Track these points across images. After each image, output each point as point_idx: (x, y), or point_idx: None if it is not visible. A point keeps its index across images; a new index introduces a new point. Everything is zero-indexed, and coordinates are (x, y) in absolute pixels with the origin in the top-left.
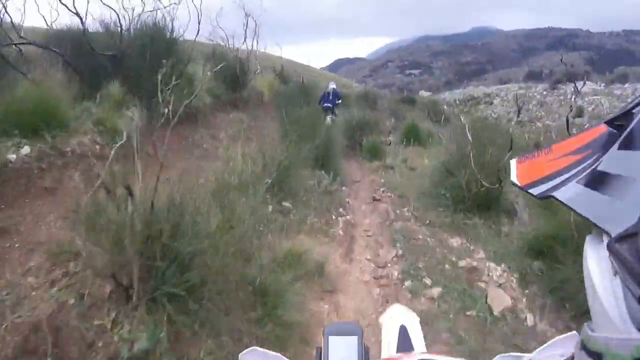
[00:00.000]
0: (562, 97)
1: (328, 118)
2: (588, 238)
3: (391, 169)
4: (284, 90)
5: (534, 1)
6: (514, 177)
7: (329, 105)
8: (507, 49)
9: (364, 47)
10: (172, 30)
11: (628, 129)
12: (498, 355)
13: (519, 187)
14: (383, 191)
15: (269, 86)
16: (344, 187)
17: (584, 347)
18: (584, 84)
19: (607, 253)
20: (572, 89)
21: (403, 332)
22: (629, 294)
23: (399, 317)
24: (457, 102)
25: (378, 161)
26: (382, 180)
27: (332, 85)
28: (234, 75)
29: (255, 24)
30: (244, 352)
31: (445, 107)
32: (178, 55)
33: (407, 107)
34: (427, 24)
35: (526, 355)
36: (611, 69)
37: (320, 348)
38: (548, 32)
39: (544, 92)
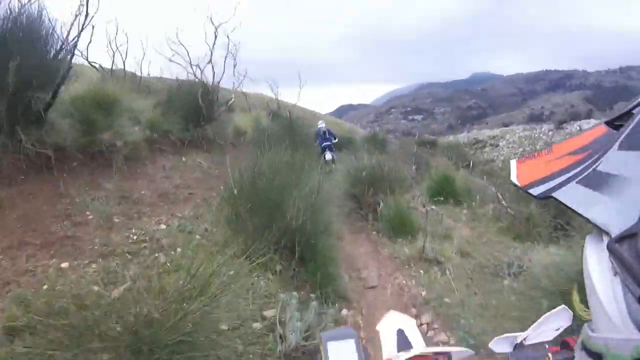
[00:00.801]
0: (568, 137)
1: (329, 154)
2: (588, 238)
3: (436, 264)
4: (264, 128)
5: (530, 46)
6: (514, 178)
7: (328, 143)
8: (507, 93)
9: (367, 93)
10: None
11: (628, 130)
12: (495, 339)
13: (519, 188)
14: (428, 324)
15: (254, 123)
16: (343, 311)
17: (584, 347)
18: (588, 122)
19: (607, 253)
20: (577, 128)
21: (401, 335)
22: (629, 294)
23: (395, 321)
24: (463, 145)
25: (406, 240)
26: (422, 292)
27: (323, 124)
28: (196, 106)
29: (234, 62)
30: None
31: (469, 150)
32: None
33: (427, 150)
34: (428, 71)
35: (521, 334)
36: (611, 106)
37: (320, 356)
38: (545, 74)
39: (550, 133)
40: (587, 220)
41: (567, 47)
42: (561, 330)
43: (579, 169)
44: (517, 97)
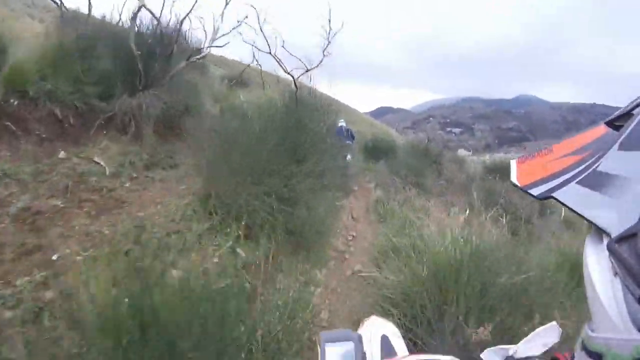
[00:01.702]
0: None
1: (348, 156)
2: (588, 238)
3: None
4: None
5: (581, 78)
6: (514, 178)
7: (349, 142)
8: (550, 120)
9: (408, 99)
10: None
11: (628, 130)
12: (486, 350)
13: (519, 188)
14: None
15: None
16: None
17: (584, 347)
18: None
19: (607, 253)
20: None
21: (385, 341)
22: (629, 294)
23: (378, 327)
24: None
25: None
26: None
27: (343, 122)
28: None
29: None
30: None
31: None
32: None
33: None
34: (473, 85)
35: (512, 347)
36: None
37: (317, 355)
38: (592, 107)
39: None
40: (587, 220)
41: (618, 82)
42: (549, 345)
43: (579, 169)
44: (560, 126)
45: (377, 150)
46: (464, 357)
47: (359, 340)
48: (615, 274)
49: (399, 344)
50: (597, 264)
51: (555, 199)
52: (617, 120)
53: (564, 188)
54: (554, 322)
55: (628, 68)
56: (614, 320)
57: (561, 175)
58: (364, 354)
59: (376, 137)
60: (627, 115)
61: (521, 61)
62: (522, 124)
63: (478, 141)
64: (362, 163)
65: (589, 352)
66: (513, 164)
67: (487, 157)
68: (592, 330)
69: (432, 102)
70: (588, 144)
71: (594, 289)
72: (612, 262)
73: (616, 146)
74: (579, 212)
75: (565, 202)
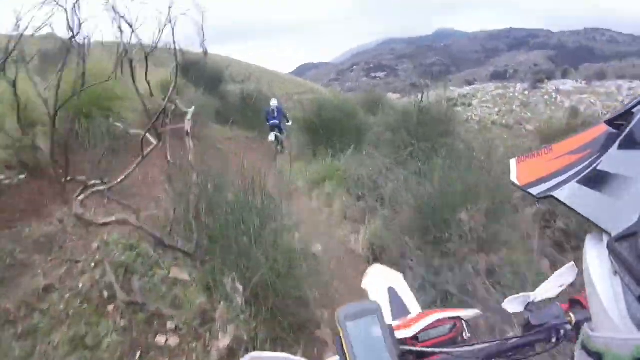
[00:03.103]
0: (546, 97)
1: (272, 135)
2: (588, 238)
3: None
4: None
5: (495, 3)
6: (513, 177)
7: (275, 122)
8: (470, 51)
9: (329, 52)
10: None
11: (628, 129)
12: (507, 299)
13: (519, 187)
14: None
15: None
16: None
17: (584, 347)
18: (564, 83)
19: (607, 253)
20: (554, 88)
21: (393, 295)
22: (629, 293)
23: (383, 278)
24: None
25: None
26: None
27: (274, 103)
28: None
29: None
30: (245, 357)
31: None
32: None
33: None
34: (391, 27)
35: (532, 293)
36: (575, 67)
37: (340, 337)
38: (509, 32)
39: (525, 92)
40: (587, 220)
41: (531, 5)
42: (564, 286)
43: (578, 168)
44: (481, 55)
45: (330, 131)
46: (487, 308)
47: (380, 311)
48: (615, 273)
49: (409, 298)
50: (597, 263)
51: (555, 198)
52: (617, 119)
53: (564, 187)
54: (571, 263)
55: None
56: (614, 320)
57: (561, 174)
58: (390, 326)
59: (320, 102)
60: (627, 114)
61: None
62: (444, 57)
63: (403, 82)
64: (302, 165)
65: (589, 352)
66: (513, 163)
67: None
68: (592, 330)
69: (354, 51)
70: (588, 143)
71: (594, 289)
72: (612, 261)
73: (616, 145)
74: (579, 211)
75: (565, 202)
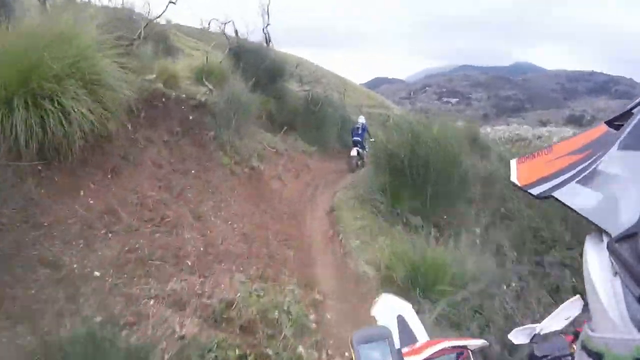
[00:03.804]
0: None
1: (354, 150)
2: (588, 238)
3: None
4: None
5: (577, 42)
6: (514, 177)
7: (358, 139)
8: (548, 89)
9: (403, 68)
10: None
11: (628, 129)
12: (513, 330)
13: (519, 187)
14: None
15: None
16: None
17: (584, 347)
18: None
19: (607, 253)
20: None
21: (402, 323)
22: (629, 294)
23: (392, 307)
24: (502, 139)
25: None
26: None
27: (361, 120)
28: None
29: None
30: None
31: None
32: None
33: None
34: (469, 53)
35: (538, 325)
36: None
37: (351, 359)
38: (590, 76)
39: None
40: (587, 221)
41: (616, 50)
42: (571, 319)
43: (579, 168)
44: (558, 94)
45: (420, 176)
46: (492, 340)
47: (391, 337)
48: (615, 273)
49: (417, 326)
50: (597, 264)
51: (555, 198)
52: (618, 120)
53: (564, 187)
54: (577, 296)
55: (631, 28)
56: (614, 320)
57: (561, 174)
58: (399, 350)
59: (414, 128)
60: (627, 114)
61: (514, 23)
62: (520, 92)
63: (475, 111)
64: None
65: (589, 352)
66: (513, 164)
67: (494, 129)
68: (592, 330)
69: (427, 71)
70: (588, 143)
71: (594, 289)
72: (612, 262)
73: (616, 146)
74: (579, 211)
75: (565, 202)
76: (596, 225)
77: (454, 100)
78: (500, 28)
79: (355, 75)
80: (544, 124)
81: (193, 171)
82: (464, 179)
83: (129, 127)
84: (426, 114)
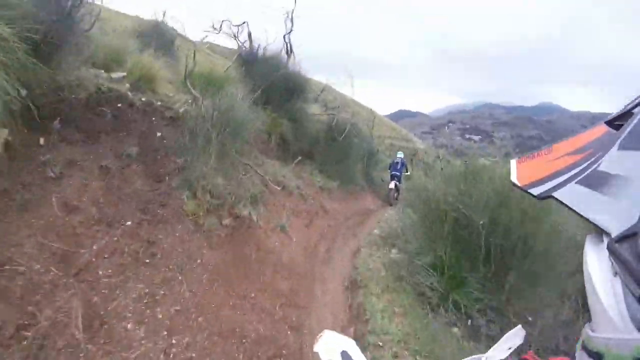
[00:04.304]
0: None
1: (393, 183)
2: (588, 238)
3: None
4: None
5: (602, 83)
6: (514, 177)
7: (397, 173)
8: (571, 130)
9: (427, 103)
10: None
11: (628, 129)
12: (463, 358)
13: (519, 188)
14: None
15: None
16: None
17: (584, 347)
18: None
19: (607, 253)
20: None
21: (345, 357)
22: (629, 294)
23: (336, 343)
24: None
25: None
26: None
27: (400, 155)
28: None
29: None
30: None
31: None
32: None
33: None
34: (493, 91)
35: (483, 355)
36: None
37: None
38: None
39: None
40: (587, 220)
41: None
42: (513, 348)
43: (579, 169)
44: None
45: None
46: None
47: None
48: (615, 273)
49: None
50: (597, 264)
51: (555, 198)
52: (617, 120)
53: (564, 188)
54: (519, 326)
55: None
56: (614, 320)
57: (561, 174)
58: None
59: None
60: (627, 114)
61: (540, 63)
62: (543, 132)
63: (498, 149)
64: None
65: (589, 352)
66: (513, 164)
67: None
68: (592, 330)
69: (451, 107)
70: (588, 143)
71: (594, 289)
72: (612, 262)
73: (616, 146)
74: (579, 212)
75: (565, 202)
76: (596, 225)
77: (476, 138)
78: (525, 66)
79: (378, 107)
80: None
81: (129, 222)
82: (560, 255)
83: (41, 143)
84: (450, 150)
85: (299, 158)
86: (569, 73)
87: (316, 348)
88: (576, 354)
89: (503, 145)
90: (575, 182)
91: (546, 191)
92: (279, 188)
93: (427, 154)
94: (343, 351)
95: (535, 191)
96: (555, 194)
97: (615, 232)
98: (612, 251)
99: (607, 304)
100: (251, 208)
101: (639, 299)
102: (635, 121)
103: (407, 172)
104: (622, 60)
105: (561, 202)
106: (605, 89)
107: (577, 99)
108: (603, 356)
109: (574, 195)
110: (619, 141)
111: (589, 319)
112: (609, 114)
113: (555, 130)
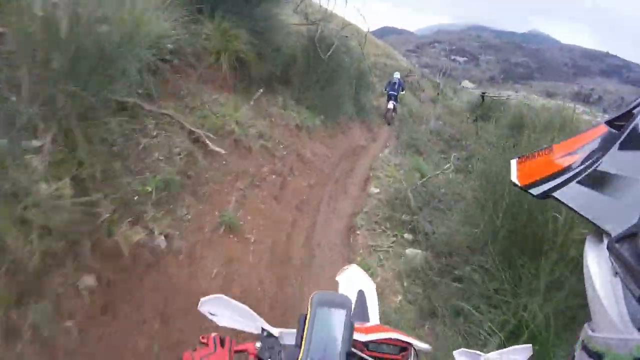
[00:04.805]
0: None
1: (391, 103)
2: (588, 238)
3: None
4: None
5: (596, 21)
6: (514, 177)
7: (394, 93)
8: (559, 62)
9: (414, 21)
10: None
11: (628, 129)
12: (459, 350)
13: (519, 187)
14: None
15: None
16: None
17: (584, 347)
18: None
19: (607, 253)
20: None
21: (360, 298)
22: (629, 294)
23: (357, 280)
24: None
25: None
26: None
27: (397, 76)
28: None
29: None
30: (207, 298)
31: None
32: None
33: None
34: (483, 13)
35: (483, 354)
36: None
37: (305, 316)
38: (605, 57)
39: None
40: (587, 220)
41: (635, 36)
42: None
43: (579, 168)
44: (570, 70)
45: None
46: (436, 346)
47: (350, 308)
48: (615, 274)
49: (373, 307)
50: (597, 264)
51: (555, 198)
52: (618, 120)
53: (564, 188)
54: (529, 345)
55: None
56: (614, 320)
57: (561, 174)
58: (352, 324)
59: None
60: (628, 114)
61: None
62: (531, 60)
63: (482, 72)
64: None
65: (589, 352)
66: (513, 164)
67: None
68: (592, 330)
69: (439, 27)
70: (588, 143)
71: (594, 289)
72: (612, 262)
73: (616, 146)
74: (579, 211)
75: (565, 202)
76: (596, 225)
77: (461, 59)
78: None
79: (363, 22)
80: (550, 95)
81: None
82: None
83: None
84: (434, 70)
85: (261, 90)
86: (564, 6)
87: (338, 278)
88: (576, 354)
89: (488, 69)
90: (576, 182)
91: (546, 191)
92: (222, 151)
93: (411, 72)
94: (360, 290)
95: (536, 191)
96: (556, 194)
97: (615, 233)
98: (612, 251)
99: (607, 304)
100: (158, 215)
101: (639, 299)
102: (635, 121)
103: (402, 91)
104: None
105: (561, 202)
106: (598, 28)
107: (569, 33)
108: (603, 356)
109: (574, 195)
110: (619, 141)
111: (589, 319)
112: (600, 51)
113: (543, 60)
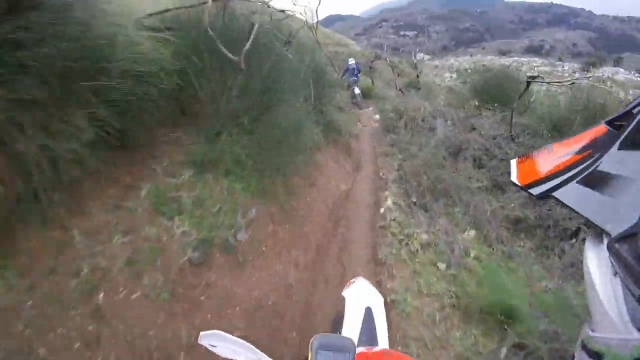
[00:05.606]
0: (602, 86)
1: (357, 89)
2: (588, 238)
3: None
4: None
5: None
6: (514, 177)
7: (355, 78)
8: (506, 20)
9: (357, 4)
10: None
11: (628, 129)
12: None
13: (519, 187)
14: None
15: None
16: None
17: (584, 347)
18: (617, 72)
19: (607, 253)
20: (608, 76)
21: (368, 317)
22: (629, 294)
23: (365, 295)
24: (469, 71)
25: None
26: None
27: (353, 61)
28: None
29: None
30: (206, 333)
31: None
32: None
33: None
34: None
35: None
36: (617, 54)
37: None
38: (550, 7)
39: (575, 74)
40: (587, 220)
41: None
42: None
43: (579, 168)
44: (517, 26)
45: None
46: None
47: (353, 351)
48: (615, 274)
49: (382, 325)
50: (597, 264)
51: (555, 198)
52: (618, 120)
53: (564, 188)
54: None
55: None
56: (614, 320)
57: (561, 174)
58: None
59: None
60: (628, 114)
61: None
62: (478, 24)
63: (434, 43)
64: None
65: (589, 352)
66: (513, 163)
67: (458, 60)
68: (592, 330)
69: (384, 6)
70: (588, 143)
71: (594, 289)
72: (612, 262)
73: (616, 146)
74: (579, 211)
75: (565, 202)
76: (596, 225)
77: (411, 34)
78: None
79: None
80: (503, 53)
81: None
82: None
83: None
84: (387, 50)
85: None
86: None
87: (345, 292)
88: (575, 354)
89: (439, 39)
90: (576, 182)
91: (546, 191)
92: None
93: (364, 56)
94: (367, 307)
95: (535, 191)
96: (556, 194)
97: (615, 233)
98: (612, 251)
99: (607, 304)
100: None
101: (639, 299)
102: (635, 121)
103: (359, 72)
104: None
105: (561, 202)
106: None
107: None
108: (603, 356)
109: (574, 195)
110: (619, 141)
111: (589, 319)
112: (544, 2)
113: (490, 21)
